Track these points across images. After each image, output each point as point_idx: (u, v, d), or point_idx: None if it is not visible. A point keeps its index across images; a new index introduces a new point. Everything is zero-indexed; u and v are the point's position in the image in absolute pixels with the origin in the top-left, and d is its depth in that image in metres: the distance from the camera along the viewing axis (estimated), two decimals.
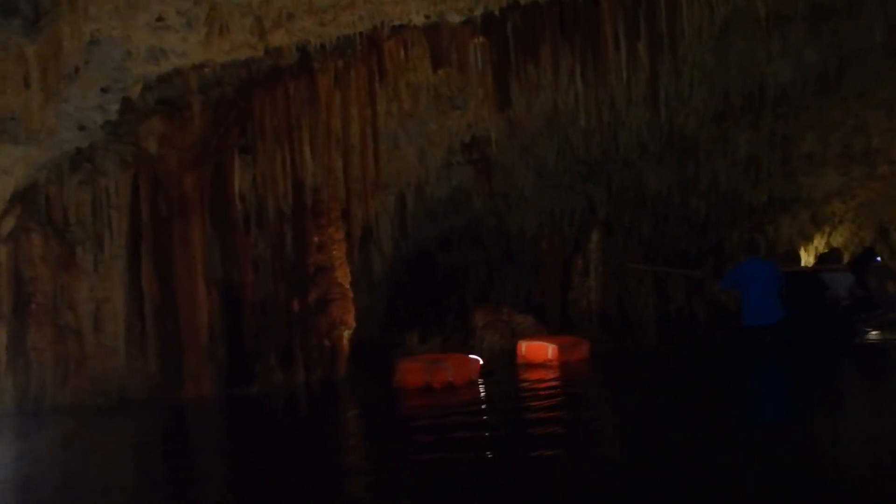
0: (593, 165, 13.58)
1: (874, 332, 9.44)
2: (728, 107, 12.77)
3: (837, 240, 18.53)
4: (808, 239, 17.61)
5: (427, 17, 7.92)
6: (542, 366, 9.32)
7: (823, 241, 18.35)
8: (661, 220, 15.20)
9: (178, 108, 8.38)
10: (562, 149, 12.95)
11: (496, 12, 8.21)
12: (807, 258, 16.86)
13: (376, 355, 10.77)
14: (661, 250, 15.70)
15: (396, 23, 8.04)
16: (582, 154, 13.15)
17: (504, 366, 9.56)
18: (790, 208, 15.94)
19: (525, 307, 12.02)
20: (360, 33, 8.36)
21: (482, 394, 7.88)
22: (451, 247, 14.24)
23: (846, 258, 15.07)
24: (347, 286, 9.23)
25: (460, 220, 13.66)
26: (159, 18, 7.04)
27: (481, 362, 8.64)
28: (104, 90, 7.87)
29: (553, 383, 8.29)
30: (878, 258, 10.66)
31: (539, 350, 9.46)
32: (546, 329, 10.93)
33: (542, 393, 7.72)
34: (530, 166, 12.99)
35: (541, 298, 11.76)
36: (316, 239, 9.02)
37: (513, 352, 9.95)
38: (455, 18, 8.06)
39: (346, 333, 9.10)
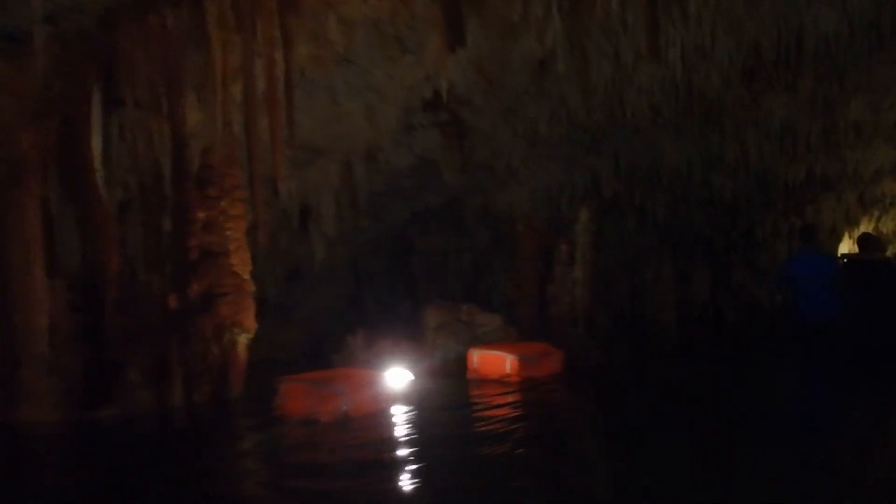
0: (596, 133, 11.37)
1: None
2: (759, 63, 10.52)
3: (889, 225, 16.30)
4: (853, 224, 15.38)
5: None
6: (498, 383, 7.24)
7: (871, 227, 16.17)
8: (679, 200, 12.91)
9: (17, 41, 6.38)
10: (556, 112, 10.75)
11: None
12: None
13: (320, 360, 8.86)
14: (680, 237, 13.46)
15: None
16: (581, 119, 10.93)
17: (447, 383, 7.50)
18: (834, 187, 13.61)
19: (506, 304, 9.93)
20: None
21: (377, 438, 5.62)
22: (430, 230, 12.15)
23: None
24: (246, 276, 7.17)
25: (437, 199, 11.53)
26: None
27: (406, 380, 6.60)
28: None
29: (500, 414, 6.19)
30: None
31: (494, 362, 7.38)
32: (516, 333, 8.81)
33: (474, 438, 5.63)
34: (518, 133, 10.82)
35: (514, 294, 9.65)
36: (201, 215, 6.95)
37: None
38: None
39: (243, 338, 7.05)
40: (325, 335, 10.45)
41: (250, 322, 7.12)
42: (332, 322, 10.98)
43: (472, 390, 7.20)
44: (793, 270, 7.48)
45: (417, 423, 6.01)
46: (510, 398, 6.71)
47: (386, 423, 5.91)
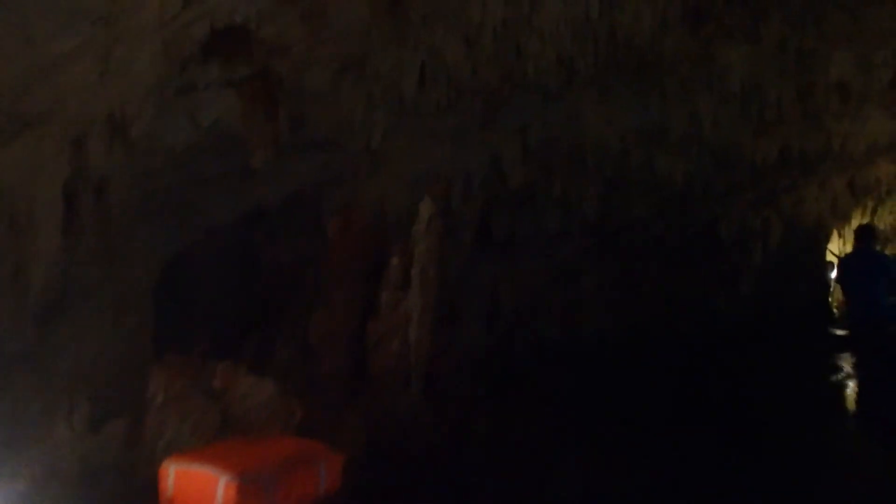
0: (491, 99, 8.41)
1: None
2: None
3: (886, 219, 13.47)
4: (842, 218, 12.55)
5: None
6: None
7: (865, 221, 13.36)
8: (614, 189, 9.90)
9: None
10: (430, 69, 7.81)
11: None
12: None
13: None
14: (619, 236, 10.48)
15: None
16: (467, 79, 7.99)
17: None
18: (816, 170, 10.69)
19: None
20: None
21: None
22: (278, 235, 9.10)
23: None
24: None
25: (276, 192, 8.47)
26: None
27: None
28: None
29: None
30: None
31: (199, 487, 4.09)
32: (300, 409, 5.66)
33: None
34: (375, 98, 7.83)
35: (317, 338, 6.52)
36: None
37: None
38: None
39: None
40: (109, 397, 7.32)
41: None
42: (124, 377, 7.88)
43: None
44: (846, 269, 7.43)
45: None
46: None
47: None
